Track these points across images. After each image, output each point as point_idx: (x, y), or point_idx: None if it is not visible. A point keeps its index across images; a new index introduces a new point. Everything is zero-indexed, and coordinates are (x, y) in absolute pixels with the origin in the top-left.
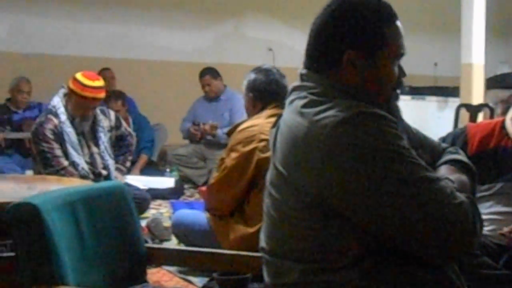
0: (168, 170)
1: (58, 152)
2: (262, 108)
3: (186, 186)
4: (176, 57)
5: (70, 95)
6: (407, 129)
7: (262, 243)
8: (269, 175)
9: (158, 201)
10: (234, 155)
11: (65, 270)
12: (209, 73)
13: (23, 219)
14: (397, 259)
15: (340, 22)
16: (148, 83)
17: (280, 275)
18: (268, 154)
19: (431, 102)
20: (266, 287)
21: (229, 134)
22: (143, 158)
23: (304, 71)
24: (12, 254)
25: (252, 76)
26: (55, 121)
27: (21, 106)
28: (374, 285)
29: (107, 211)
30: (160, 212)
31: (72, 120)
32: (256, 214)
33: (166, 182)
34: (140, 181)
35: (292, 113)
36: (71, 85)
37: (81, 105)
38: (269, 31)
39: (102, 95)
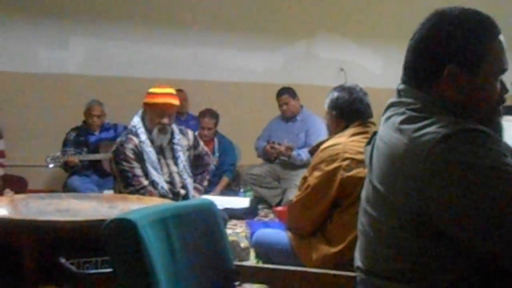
0: (242, 190)
1: (139, 171)
2: (346, 127)
3: (260, 206)
4: (249, 78)
5: (145, 110)
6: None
7: (357, 262)
8: (365, 192)
9: (234, 221)
10: (317, 173)
11: (160, 287)
12: (287, 92)
13: (120, 234)
14: (492, 284)
15: (441, 36)
16: (221, 104)
17: None
18: (353, 173)
19: None
20: None
21: (312, 152)
22: (224, 180)
23: (402, 86)
24: (106, 270)
25: (335, 94)
26: (136, 140)
27: (94, 129)
28: None
29: (197, 228)
30: (236, 232)
31: (150, 136)
32: (339, 234)
33: (241, 202)
34: (215, 201)
35: (389, 129)
36: (144, 100)
37: (155, 115)
38: (341, 51)
39: (173, 100)
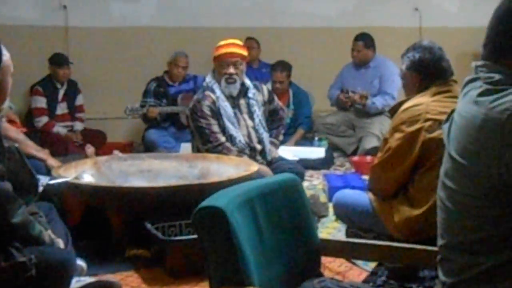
0: (316, 138)
1: (215, 128)
2: (426, 87)
3: (335, 154)
4: (320, 23)
5: (214, 64)
6: None
7: (439, 240)
8: (444, 167)
9: (310, 172)
10: (398, 135)
11: (251, 270)
12: (363, 40)
13: (210, 222)
14: None
15: None
16: (293, 51)
17: (459, 271)
18: (435, 134)
19: None
20: (443, 285)
21: (391, 112)
22: (300, 132)
23: (480, 62)
24: (190, 237)
25: (416, 55)
26: (213, 96)
27: (176, 80)
28: None
29: (282, 205)
30: (313, 184)
31: (219, 85)
32: (421, 196)
33: (316, 152)
34: (290, 152)
35: (467, 103)
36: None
37: (220, 66)
38: None
39: (235, 49)
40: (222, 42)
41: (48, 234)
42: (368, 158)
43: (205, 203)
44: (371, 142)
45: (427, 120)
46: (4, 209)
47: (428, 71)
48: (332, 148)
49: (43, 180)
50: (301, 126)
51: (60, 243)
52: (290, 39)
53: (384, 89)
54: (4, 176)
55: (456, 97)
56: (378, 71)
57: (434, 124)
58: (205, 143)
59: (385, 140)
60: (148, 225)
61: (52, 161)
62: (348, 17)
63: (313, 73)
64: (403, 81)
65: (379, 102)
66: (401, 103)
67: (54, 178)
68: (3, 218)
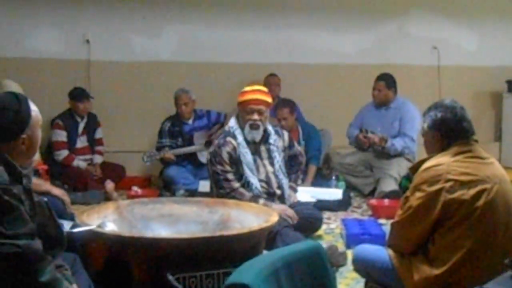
0: (334, 178)
1: (230, 176)
2: (447, 146)
3: (352, 194)
4: (340, 60)
5: (238, 109)
6: None
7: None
8: None
9: (327, 213)
10: (419, 194)
11: None
12: (385, 80)
13: None
14: None
15: None
16: (312, 87)
17: None
18: (456, 195)
19: None
20: None
21: (412, 171)
22: (312, 169)
23: None
24: None
25: (438, 114)
26: (234, 143)
27: (186, 117)
28: None
29: (306, 274)
30: (330, 228)
31: (243, 132)
32: (441, 255)
33: (334, 194)
34: (308, 193)
35: None
36: (237, 99)
37: (245, 112)
38: (434, 29)
39: (261, 96)
40: (248, 88)
41: None
42: (386, 201)
43: (233, 279)
44: (389, 185)
45: (448, 180)
46: (34, 268)
47: (449, 130)
48: (349, 188)
49: (66, 226)
50: (312, 162)
51: None
52: (308, 75)
53: (404, 131)
54: (35, 235)
55: (477, 157)
56: (399, 112)
57: (455, 184)
58: (218, 188)
59: (406, 198)
60: (170, 277)
61: (56, 191)
62: (367, 54)
63: (331, 110)
64: (424, 139)
65: (398, 144)
66: (421, 161)
67: (77, 225)
68: (32, 278)
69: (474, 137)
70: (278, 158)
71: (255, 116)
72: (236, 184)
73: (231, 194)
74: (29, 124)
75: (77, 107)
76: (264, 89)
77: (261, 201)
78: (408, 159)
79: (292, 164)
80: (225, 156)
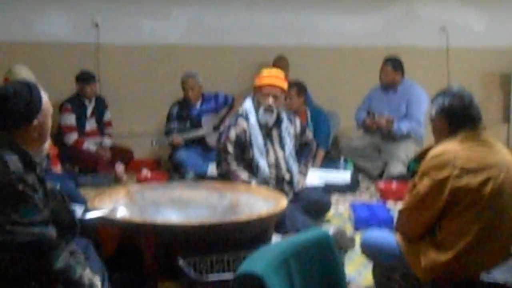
0: (342, 160)
1: (230, 157)
2: (454, 132)
3: (360, 177)
4: (348, 42)
5: (254, 92)
6: None
7: None
8: None
9: (335, 196)
10: (426, 181)
11: None
12: (392, 62)
13: None
14: None
15: None
16: (320, 69)
17: None
18: (463, 182)
19: None
20: None
21: (419, 157)
22: (321, 153)
23: None
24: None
25: (446, 102)
26: (245, 125)
27: (194, 101)
28: None
29: (316, 263)
30: (339, 212)
31: (259, 119)
32: (448, 241)
33: (342, 176)
34: (316, 175)
35: None
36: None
37: (261, 96)
38: (442, 10)
39: (277, 81)
40: (265, 73)
41: (87, 275)
42: (394, 184)
43: (244, 268)
44: (397, 168)
45: (455, 167)
46: (48, 255)
47: (457, 118)
48: (357, 170)
49: (78, 211)
50: (320, 147)
51: (97, 281)
52: (316, 58)
53: (410, 113)
54: (49, 222)
55: (484, 145)
56: (406, 95)
57: (463, 172)
58: (218, 164)
59: (413, 185)
60: (180, 261)
61: None
62: (375, 36)
63: (339, 92)
64: (432, 125)
65: (405, 126)
66: (429, 148)
67: (89, 210)
68: (47, 265)
69: (482, 124)
70: (289, 144)
71: (270, 100)
72: (234, 167)
73: (227, 175)
74: (40, 110)
75: (85, 90)
76: (281, 74)
77: (253, 182)
78: (416, 141)
79: (303, 150)
80: (232, 136)
